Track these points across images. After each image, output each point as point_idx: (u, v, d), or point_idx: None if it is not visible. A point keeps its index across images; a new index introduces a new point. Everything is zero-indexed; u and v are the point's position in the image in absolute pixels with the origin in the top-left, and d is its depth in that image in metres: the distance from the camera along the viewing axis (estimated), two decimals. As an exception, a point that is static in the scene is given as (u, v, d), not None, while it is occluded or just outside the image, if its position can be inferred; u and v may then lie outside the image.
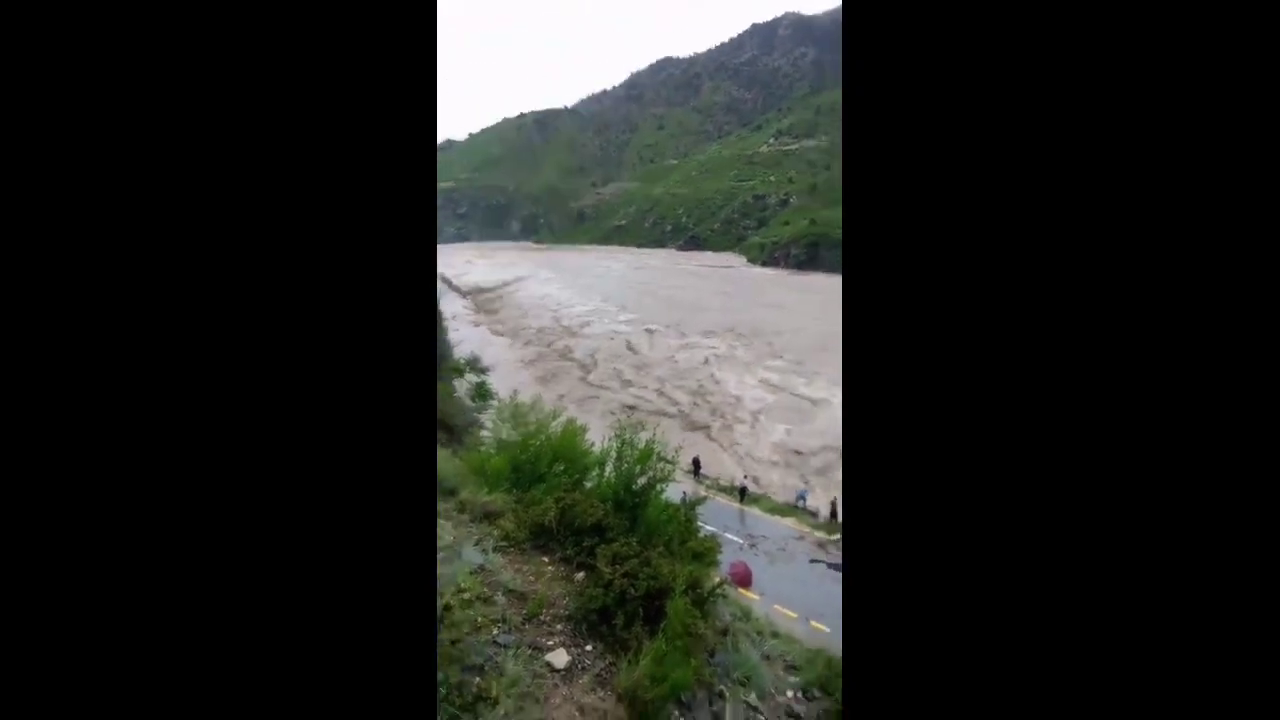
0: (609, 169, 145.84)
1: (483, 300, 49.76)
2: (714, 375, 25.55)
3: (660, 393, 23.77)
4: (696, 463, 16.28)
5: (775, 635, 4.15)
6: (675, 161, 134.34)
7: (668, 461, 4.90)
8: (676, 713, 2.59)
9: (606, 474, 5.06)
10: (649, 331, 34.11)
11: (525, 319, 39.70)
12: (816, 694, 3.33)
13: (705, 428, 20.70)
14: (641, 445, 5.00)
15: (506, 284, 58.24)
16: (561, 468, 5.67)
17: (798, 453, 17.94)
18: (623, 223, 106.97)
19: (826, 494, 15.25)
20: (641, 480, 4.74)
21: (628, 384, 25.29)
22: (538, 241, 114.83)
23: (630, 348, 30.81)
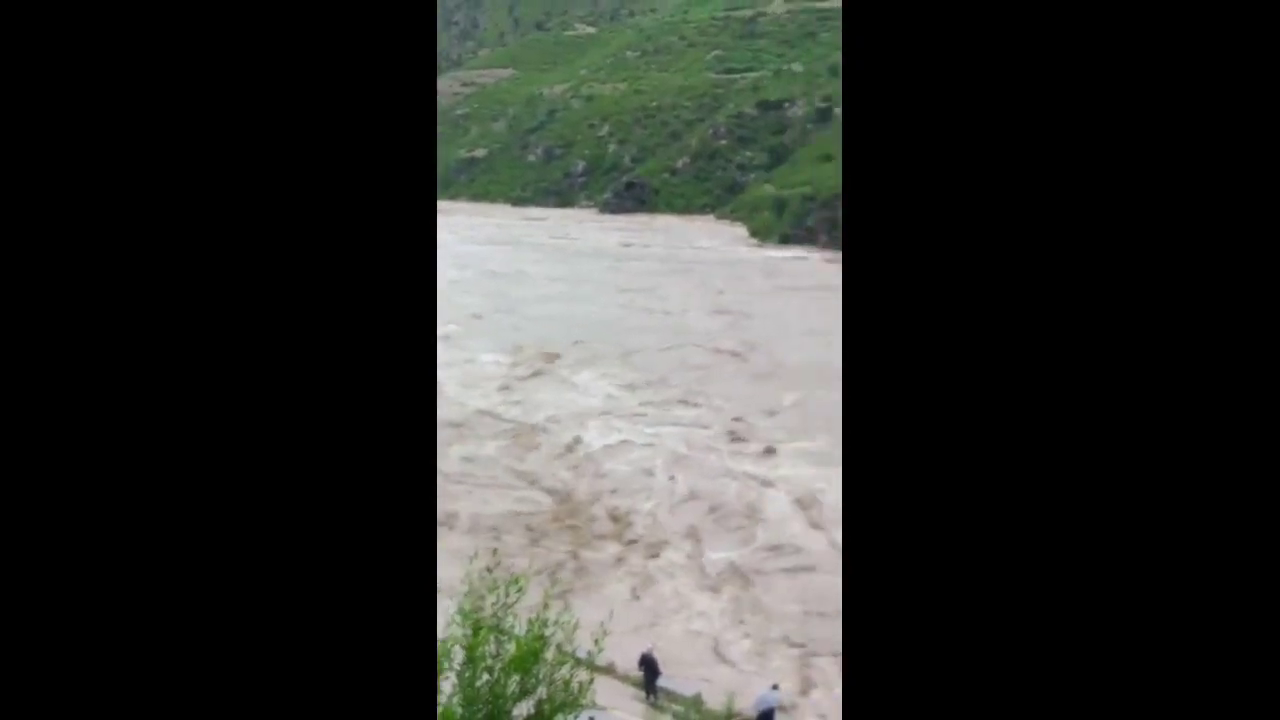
0: (446, 43, 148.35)
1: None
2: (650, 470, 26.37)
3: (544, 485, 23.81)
4: (648, 663, 16.12)
5: None
6: (591, 29, 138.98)
7: (581, 662, 4.56)
8: None
9: (444, 697, 4.73)
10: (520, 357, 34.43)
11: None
12: None
13: (629, 547, 20.77)
14: (521, 629, 4.65)
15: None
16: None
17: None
18: (478, 153, 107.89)
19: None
20: (523, 711, 4.37)
21: (476, 480, 25.24)
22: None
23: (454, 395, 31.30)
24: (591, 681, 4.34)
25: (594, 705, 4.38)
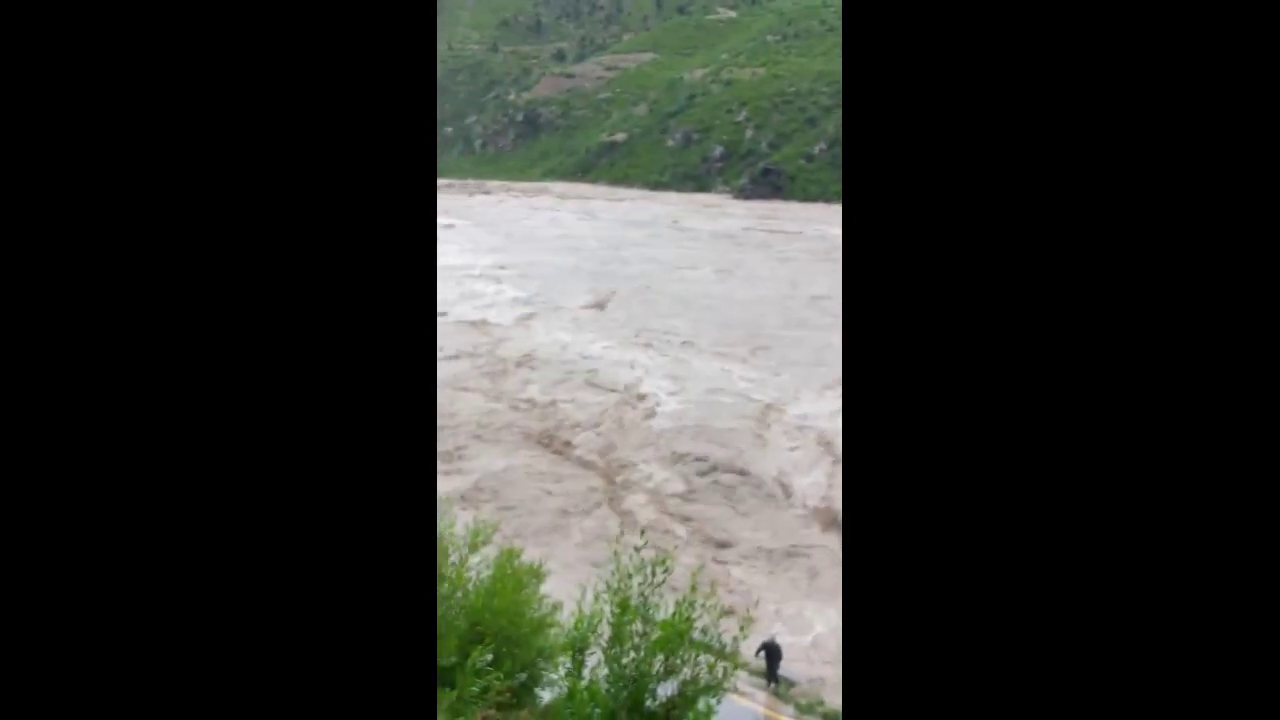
0: (590, 27, 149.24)
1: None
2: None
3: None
4: (771, 651, 15.96)
5: None
6: (732, 13, 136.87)
7: (720, 655, 4.48)
8: None
9: (588, 672, 4.74)
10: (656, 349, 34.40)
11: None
12: None
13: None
14: (667, 610, 4.62)
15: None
16: (489, 657, 5.31)
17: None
18: (619, 137, 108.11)
19: None
20: (666, 690, 4.35)
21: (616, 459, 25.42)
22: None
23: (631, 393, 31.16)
24: (735, 668, 4.41)
25: (739, 692, 4.46)
